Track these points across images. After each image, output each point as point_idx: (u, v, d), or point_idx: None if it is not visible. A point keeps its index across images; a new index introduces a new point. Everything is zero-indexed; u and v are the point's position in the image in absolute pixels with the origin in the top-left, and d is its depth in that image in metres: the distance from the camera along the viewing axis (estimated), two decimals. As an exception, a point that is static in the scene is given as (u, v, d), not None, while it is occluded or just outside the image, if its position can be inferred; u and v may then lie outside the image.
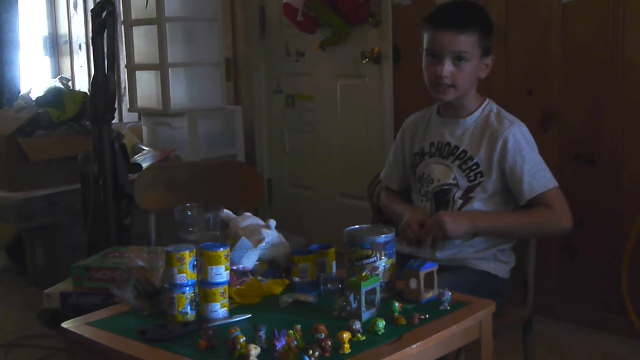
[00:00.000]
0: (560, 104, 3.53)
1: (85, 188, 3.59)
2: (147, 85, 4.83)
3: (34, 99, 4.67)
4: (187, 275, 1.85)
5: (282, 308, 1.92)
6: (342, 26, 4.39)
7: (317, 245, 2.14)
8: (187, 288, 1.85)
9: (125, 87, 5.45)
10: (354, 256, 1.97)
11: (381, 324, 1.74)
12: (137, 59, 4.84)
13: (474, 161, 2.40)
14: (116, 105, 3.63)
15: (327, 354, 1.62)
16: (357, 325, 1.70)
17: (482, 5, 2.82)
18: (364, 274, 1.88)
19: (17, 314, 4.04)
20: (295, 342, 1.63)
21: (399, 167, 2.64)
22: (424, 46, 2.42)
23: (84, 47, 6.30)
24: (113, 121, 3.57)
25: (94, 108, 3.50)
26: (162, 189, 3.00)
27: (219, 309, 1.85)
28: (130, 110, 5.06)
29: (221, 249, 1.86)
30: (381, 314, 1.81)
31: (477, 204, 2.40)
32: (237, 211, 2.31)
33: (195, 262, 1.86)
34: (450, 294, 1.91)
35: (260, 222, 2.21)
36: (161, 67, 4.63)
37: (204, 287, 1.85)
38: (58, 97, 4.53)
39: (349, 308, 1.81)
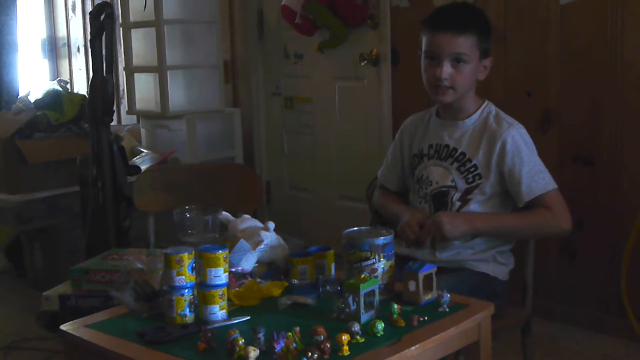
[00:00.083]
0: (559, 105, 3.54)
1: (84, 190, 3.59)
2: (145, 87, 4.83)
3: (32, 101, 4.66)
4: (185, 277, 1.84)
5: (281, 310, 1.92)
6: (340, 28, 4.39)
7: (315, 247, 2.13)
8: (186, 290, 1.84)
9: (123, 90, 5.45)
10: (353, 258, 1.97)
11: (380, 326, 1.74)
12: (136, 61, 4.83)
13: (472, 163, 2.40)
14: (115, 108, 3.63)
15: (326, 356, 1.62)
16: (356, 327, 1.70)
17: (480, 7, 2.83)
18: (362, 276, 1.88)
19: (16, 316, 4.04)
20: (294, 344, 1.63)
21: (397, 168, 2.64)
22: (423, 48, 2.42)
23: (82, 49, 6.31)
24: (112, 124, 3.57)
25: (92, 110, 3.50)
26: (160, 191, 3.00)
27: (218, 311, 1.85)
28: (128, 112, 5.06)
29: (220, 251, 1.86)
30: (380, 316, 1.81)
31: (475, 206, 2.40)
32: (235, 213, 2.31)
33: (194, 265, 1.86)
34: (449, 295, 1.91)
35: (259, 224, 2.21)
36: (160, 69, 4.63)
37: (203, 290, 1.85)
38: (56, 100, 4.53)
39: (347, 310, 1.81)
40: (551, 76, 3.54)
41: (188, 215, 2.24)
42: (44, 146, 4.33)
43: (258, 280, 2.07)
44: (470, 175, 2.41)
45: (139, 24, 4.76)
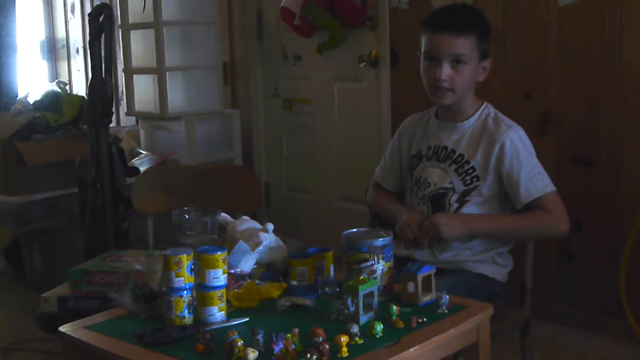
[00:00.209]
0: (558, 106, 3.54)
1: (83, 192, 3.60)
2: (144, 89, 4.83)
3: (31, 103, 4.67)
4: (184, 279, 1.84)
5: (279, 311, 1.92)
6: (339, 30, 4.39)
7: (314, 248, 2.14)
8: (185, 292, 1.84)
9: (122, 91, 5.45)
10: (352, 259, 1.97)
11: (379, 327, 1.74)
12: (135, 62, 4.83)
13: (470, 165, 2.40)
14: (114, 109, 3.63)
15: (325, 358, 1.61)
16: (355, 328, 1.70)
17: (479, 8, 2.83)
18: (361, 277, 1.88)
19: (15, 317, 4.03)
20: (293, 346, 1.63)
21: (396, 169, 2.64)
22: (422, 49, 2.42)
23: (81, 51, 6.31)
24: (110, 125, 3.58)
25: (91, 112, 3.50)
26: (159, 192, 3.00)
27: (217, 313, 1.85)
28: (127, 114, 5.06)
29: (219, 252, 1.86)
30: (379, 317, 1.81)
31: (472, 208, 2.40)
32: (234, 215, 2.31)
33: (192, 266, 1.86)
34: (447, 297, 1.91)
35: (257, 225, 2.21)
36: (159, 71, 4.63)
37: (202, 291, 1.85)
38: (55, 101, 4.53)
39: (346, 311, 1.81)
40: (550, 78, 3.54)
41: (187, 217, 2.24)
42: (43, 148, 4.33)
43: (257, 281, 2.07)
44: (468, 177, 2.41)
45: (138, 26, 4.76)
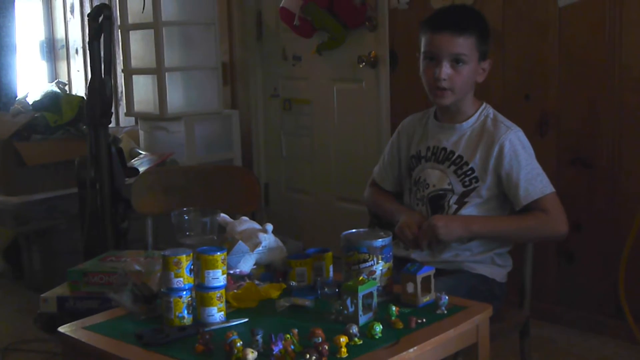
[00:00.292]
0: (557, 107, 3.54)
1: (82, 192, 3.59)
2: (144, 89, 4.84)
3: (30, 103, 4.66)
4: (184, 279, 1.84)
5: (279, 312, 1.92)
6: (338, 30, 4.39)
7: (314, 249, 2.13)
8: (184, 292, 1.84)
9: (122, 92, 5.45)
10: (351, 260, 1.97)
11: (378, 328, 1.74)
12: (134, 63, 4.84)
13: (469, 166, 2.40)
14: (113, 110, 3.63)
15: (324, 358, 1.61)
16: (354, 329, 1.70)
17: (479, 9, 2.83)
18: (361, 278, 1.88)
19: (14, 318, 4.03)
20: (292, 347, 1.63)
21: (394, 169, 2.64)
22: (422, 49, 2.42)
23: (80, 51, 6.31)
24: (110, 125, 3.58)
25: (90, 112, 3.50)
26: (159, 193, 3.00)
27: (216, 313, 1.85)
28: (127, 114, 5.06)
29: (218, 253, 1.86)
30: (378, 318, 1.81)
31: (471, 209, 2.40)
32: (234, 215, 2.31)
33: (192, 267, 1.86)
34: (447, 297, 1.91)
35: (257, 226, 2.21)
36: (158, 71, 4.63)
37: (201, 291, 1.85)
38: (55, 102, 4.53)
39: (346, 312, 1.81)
40: (549, 79, 3.54)
41: (186, 217, 2.24)
42: (42, 148, 4.33)
43: (256, 282, 2.07)
44: (467, 179, 2.41)
45: (137, 26, 4.77)
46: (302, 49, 4.73)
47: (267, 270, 2.17)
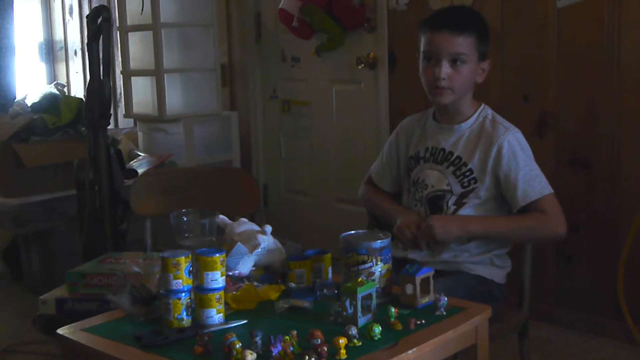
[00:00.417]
0: (556, 108, 3.54)
1: (81, 194, 3.59)
2: (142, 91, 4.83)
3: (29, 105, 4.66)
4: (182, 281, 1.84)
5: (278, 314, 1.92)
6: (337, 32, 4.39)
7: (313, 250, 2.13)
8: (183, 294, 1.84)
9: (120, 93, 5.45)
10: (350, 262, 1.97)
11: (377, 329, 1.73)
12: (133, 64, 4.84)
13: (468, 167, 2.40)
14: (112, 111, 3.63)
15: (323, 360, 1.62)
16: (353, 330, 1.70)
17: (478, 10, 2.83)
18: (360, 279, 1.88)
19: (13, 320, 4.03)
20: (291, 348, 1.63)
21: (393, 169, 2.64)
22: (421, 49, 2.42)
23: (79, 53, 6.31)
24: (109, 127, 3.57)
25: (89, 114, 3.50)
26: (157, 194, 3.00)
27: (215, 315, 1.84)
28: (125, 116, 5.06)
29: (217, 254, 1.86)
30: (377, 319, 1.81)
31: (470, 210, 2.40)
32: (232, 217, 2.31)
33: (191, 268, 1.86)
34: (446, 299, 1.91)
35: (256, 227, 2.21)
36: (157, 73, 4.63)
37: (200, 293, 1.85)
38: (53, 103, 4.53)
39: (345, 314, 1.81)
40: (548, 79, 3.55)
41: (185, 219, 2.24)
42: (41, 150, 4.33)
43: (255, 283, 2.06)
44: (465, 180, 2.41)
45: (136, 28, 4.76)
46: (301, 51, 4.73)
47: (266, 272, 2.17)
